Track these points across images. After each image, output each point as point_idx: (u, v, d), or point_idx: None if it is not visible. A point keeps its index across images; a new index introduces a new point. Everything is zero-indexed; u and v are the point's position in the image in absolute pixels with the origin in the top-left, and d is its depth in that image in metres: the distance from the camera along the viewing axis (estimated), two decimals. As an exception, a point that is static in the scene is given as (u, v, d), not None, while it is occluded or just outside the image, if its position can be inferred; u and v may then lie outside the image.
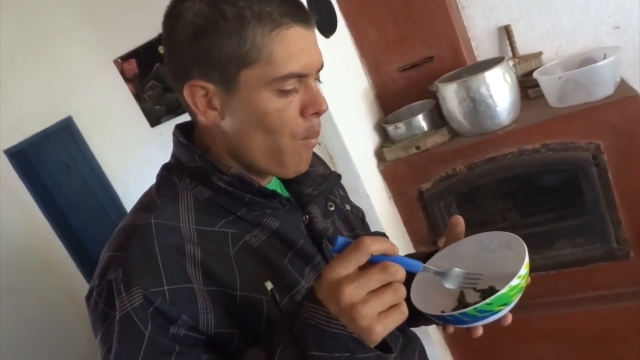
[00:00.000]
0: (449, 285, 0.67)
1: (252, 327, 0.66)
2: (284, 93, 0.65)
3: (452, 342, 2.07)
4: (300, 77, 0.66)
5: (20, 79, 3.09)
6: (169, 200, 0.69)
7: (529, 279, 0.66)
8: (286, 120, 0.67)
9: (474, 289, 0.70)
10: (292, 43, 0.64)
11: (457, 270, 0.67)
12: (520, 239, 0.69)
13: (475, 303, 0.63)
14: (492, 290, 0.69)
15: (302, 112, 0.68)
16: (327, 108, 0.69)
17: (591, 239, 1.75)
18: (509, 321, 0.69)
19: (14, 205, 3.53)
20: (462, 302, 0.72)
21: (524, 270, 0.63)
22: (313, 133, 0.70)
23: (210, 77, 0.65)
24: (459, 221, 0.79)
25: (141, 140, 3.04)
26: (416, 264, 0.61)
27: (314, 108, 0.68)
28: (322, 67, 0.70)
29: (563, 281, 1.81)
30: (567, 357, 1.86)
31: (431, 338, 1.95)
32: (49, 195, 3.52)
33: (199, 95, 0.67)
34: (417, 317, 0.79)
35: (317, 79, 0.72)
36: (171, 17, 0.66)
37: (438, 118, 1.88)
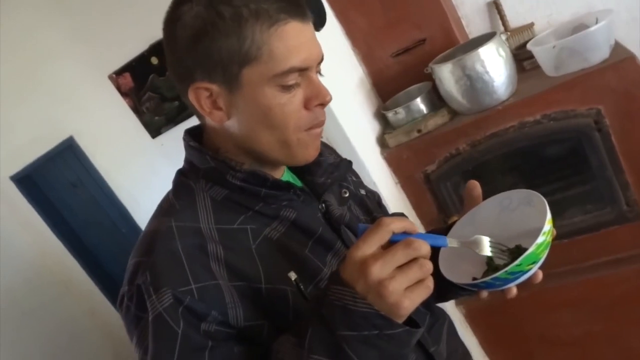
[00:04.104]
0: (482, 252, 0.67)
1: (279, 318, 0.67)
2: (287, 88, 0.66)
3: (473, 319, 2.08)
4: (302, 70, 0.67)
5: (17, 106, 3.11)
6: (187, 203, 0.71)
7: (555, 231, 0.67)
8: (289, 114, 0.67)
9: (501, 249, 0.71)
10: (291, 38, 0.65)
11: (480, 237, 0.68)
12: (540, 195, 0.70)
13: (505, 265, 0.64)
14: (518, 249, 0.69)
15: (306, 105, 0.69)
16: (331, 99, 0.70)
17: (601, 204, 1.75)
18: (539, 278, 0.70)
19: (26, 230, 3.56)
20: (491, 266, 0.72)
21: (548, 226, 0.64)
22: (318, 123, 0.71)
23: (213, 78, 0.66)
24: (475, 185, 0.80)
25: (144, 153, 3.06)
26: (440, 238, 0.62)
27: (317, 100, 0.69)
28: (322, 59, 0.71)
29: (576, 249, 1.81)
30: (588, 323, 1.87)
31: (451, 317, 1.96)
32: (59, 216, 3.55)
33: (203, 96, 0.68)
34: (446, 291, 0.81)
35: (319, 72, 0.72)
36: (171, 22, 0.68)
37: (436, 99, 1.88)
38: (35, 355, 3.33)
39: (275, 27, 0.64)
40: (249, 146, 0.71)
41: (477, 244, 0.67)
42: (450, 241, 0.63)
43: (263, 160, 0.73)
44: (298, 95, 0.68)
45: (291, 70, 0.65)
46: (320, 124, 0.71)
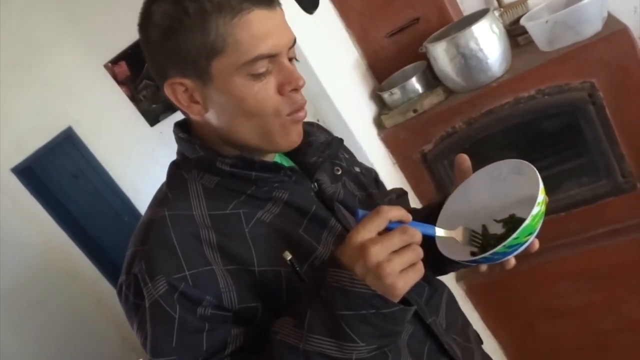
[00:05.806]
0: (463, 243, 0.71)
1: (273, 299, 0.70)
2: (257, 76, 0.68)
3: (474, 295, 2.11)
4: (271, 57, 0.68)
5: (15, 98, 3.11)
6: (179, 193, 0.73)
7: (547, 199, 0.69)
8: (264, 101, 0.69)
9: (495, 220, 0.73)
10: (255, 26, 0.66)
11: (462, 228, 0.71)
12: (529, 164, 0.71)
13: (501, 237, 0.67)
14: (512, 219, 0.71)
15: (280, 91, 0.70)
16: (304, 83, 0.71)
17: (596, 176, 1.77)
18: (536, 247, 0.72)
19: (30, 222, 3.59)
20: (486, 236, 0.74)
21: (542, 196, 0.66)
22: (297, 107, 0.72)
23: (186, 73, 0.68)
24: (465, 158, 0.81)
25: (143, 141, 3.07)
26: (430, 227, 0.67)
27: (290, 85, 0.70)
28: (293, 44, 0.72)
29: (574, 221, 1.83)
30: (587, 294, 1.90)
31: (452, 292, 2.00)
32: (62, 207, 3.57)
33: (179, 91, 0.70)
34: (443, 265, 0.84)
35: (294, 57, 0.74)
36: (143, 21, 0.70)
37: (431, 79, 1.89)
38: (45, 344, 3.39)
39: (239, 17, 0.65)
40: (231, 137, 0.73)
41: (459, 234, 0.71)
42: (438, 231, 0.68)
43: (248, 150, 0.74)
44: (270, 83, 0.69)
45: (259, 58, 0.67)
46: (300, 107, 0.72)
